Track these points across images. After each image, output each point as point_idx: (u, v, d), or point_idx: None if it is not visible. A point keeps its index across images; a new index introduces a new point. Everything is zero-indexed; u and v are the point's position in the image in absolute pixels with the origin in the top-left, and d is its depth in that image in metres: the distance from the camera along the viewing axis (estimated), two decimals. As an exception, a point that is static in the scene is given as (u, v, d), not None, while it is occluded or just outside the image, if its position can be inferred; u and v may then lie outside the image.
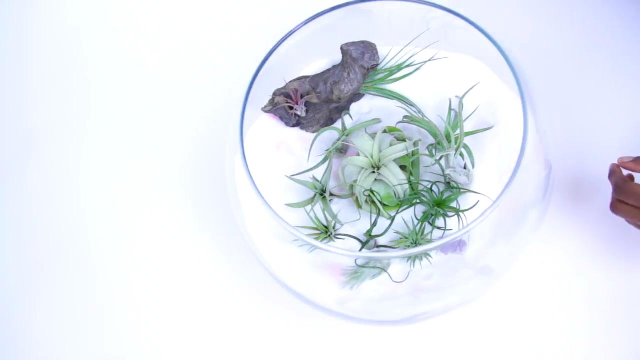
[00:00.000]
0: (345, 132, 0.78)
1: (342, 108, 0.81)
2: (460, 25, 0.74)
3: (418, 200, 0.75)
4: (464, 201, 0.75)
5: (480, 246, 0.72)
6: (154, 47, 0.99)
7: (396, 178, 0.74)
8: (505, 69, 0.72)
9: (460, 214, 0.73)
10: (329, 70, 0.80)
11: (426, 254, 0.73)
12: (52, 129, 0.96)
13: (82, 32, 1.02)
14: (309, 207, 0.76)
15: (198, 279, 0.87)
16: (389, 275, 0.73)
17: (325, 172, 0.77)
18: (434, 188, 0.75)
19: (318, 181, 0.76)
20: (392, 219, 0.74)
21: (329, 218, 0.75)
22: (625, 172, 0.79)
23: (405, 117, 0.78)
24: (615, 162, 0.78)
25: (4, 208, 0.93)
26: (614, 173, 0.77)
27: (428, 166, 0.77)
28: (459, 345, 0.81)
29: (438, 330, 0.82)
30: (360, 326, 0.81)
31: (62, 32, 1.02)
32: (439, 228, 0.75)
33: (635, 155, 0.82)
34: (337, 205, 0.77)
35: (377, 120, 0.79)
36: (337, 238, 0.75)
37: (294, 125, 0.80)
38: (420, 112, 0.79)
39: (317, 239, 0.75)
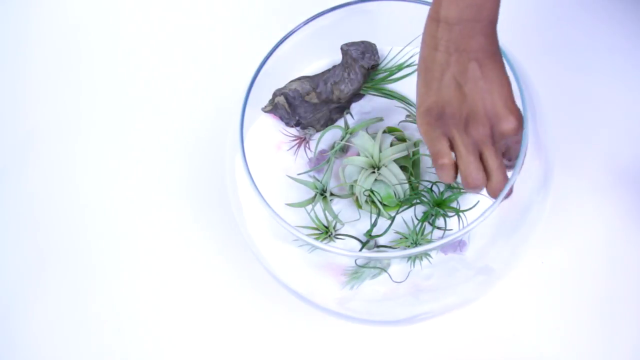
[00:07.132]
0: (348, 131, 0.78)
1: (343, 108, 0.81)
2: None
3: (418, 200, 0.75)
4: (464, 201, 0.75)
5: (480, 246, 0.72)
6: (154, 47, 0.99)
7: (396, 178, 0.74)
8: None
9: (460, 214, 0.73)
10: (329, 70, 0.80)
11: (426, 254, 0.72)
12: (52, 129, 0.96)
13: (82, 32, 1.02)
14: (309, 207, 0.76)
15: (198, 279, 0.87)
16: (389, 275, 0.73)
17: (326, 171, 0.77)
18: (434, 188, 0.75)
19: (319, 181, 0.76)
20: (392, 219, 0.74)
21: (330, 218, 0.75)
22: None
23: (406, 117, 0.78)
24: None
25: (4, 208, 0.93)
26: None
27: (428, 167, 0.77)
28: (459, 345, 0.81)
29: (438, 330, 0.82)
30: (360, 326, 0.81)
31: (62, 32, 1.02)
32: (439, 228, 0.74)
33: (634, 154, 0.82)
34: (337, 205, 0.77)
35: (380, 119, 0.79)
36: (337, 238, 0.75)
37: (294, 125, 0.80)
38: (420, 112, 0.78)
39: (317, 239, 0.75)
